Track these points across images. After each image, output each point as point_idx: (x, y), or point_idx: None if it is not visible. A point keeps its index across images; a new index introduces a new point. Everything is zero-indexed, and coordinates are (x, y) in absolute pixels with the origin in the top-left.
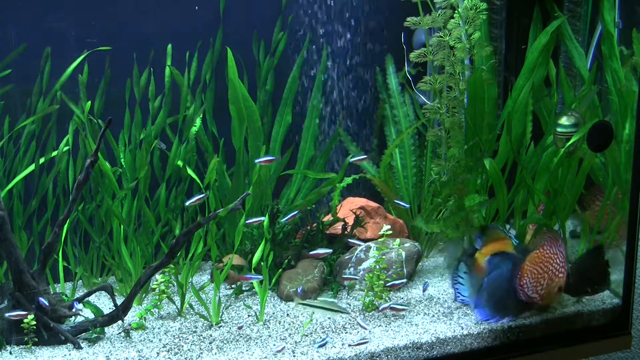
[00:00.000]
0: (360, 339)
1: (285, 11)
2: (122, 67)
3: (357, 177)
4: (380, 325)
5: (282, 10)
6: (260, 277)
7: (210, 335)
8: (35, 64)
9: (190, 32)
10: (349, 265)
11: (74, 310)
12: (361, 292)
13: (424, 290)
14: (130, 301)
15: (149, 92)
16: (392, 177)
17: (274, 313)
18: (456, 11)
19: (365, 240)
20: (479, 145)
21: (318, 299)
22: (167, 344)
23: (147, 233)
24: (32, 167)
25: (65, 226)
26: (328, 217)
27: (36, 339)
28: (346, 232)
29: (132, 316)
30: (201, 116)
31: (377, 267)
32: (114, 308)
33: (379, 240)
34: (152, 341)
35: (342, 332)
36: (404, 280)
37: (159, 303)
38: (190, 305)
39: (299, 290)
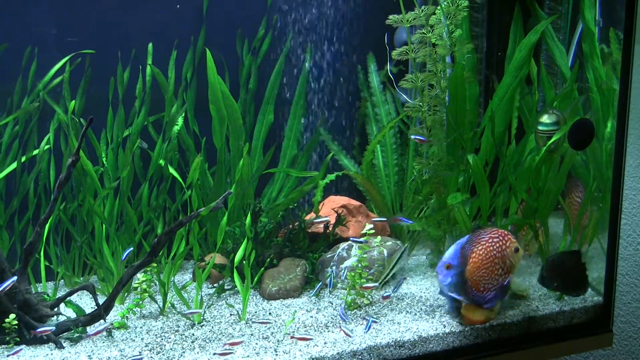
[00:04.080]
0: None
1: (271, 10)
2: (103, 65)
3: (339, 174)
4: (362, 324)
5: (267, 8)
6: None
7: (193, 334)
8: (16, 63)
9: (173, 31)
10: (331, 263)
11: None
12: (343, 290)
13: (394, 291)
14: (112, 300)
15: (137, 91)
16: (374, 175)
17: (256, 312)
18: (438, 7)
19: (347, 239)
20: (460, 143)
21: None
22: (149, 343)
23: (129, 232)
24: (14, 165)
25: (47, 225)
26: (310, 216)
27: (18, 339)
28: (328, 231)
29: (114, 315)
30: (183, 115)
31: (359, 265)
32: (96, 307)
33: (361, 238)
34: (134, 340)
35: (324, 331)
36: (377, 284)
37: (141, 302)
38: (172, 305)
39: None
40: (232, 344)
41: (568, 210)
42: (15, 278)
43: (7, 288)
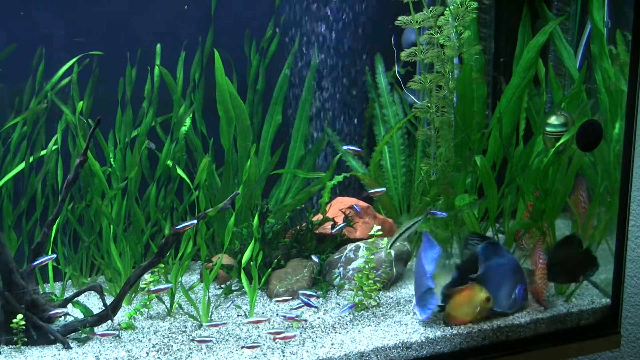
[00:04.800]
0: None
1: (279, 10)
2: (111, 66)
3: (347, 175)
4: (369, 325)
5: (275, 9)
6: None
7: (200, 335)
8: (25, 63)
9: (181, 32)
10: (339, 265)
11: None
12: (350, 291)
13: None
14: (120, 301)
15: (145, 91)
16: (381, 176)
17: (263, 313)
18: (447, 8)
19: (355, 240)
20: (467, 144)
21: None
22: (156, 343)
23: (137, 232)
24: (22, 165)
25: (55, 226)
26: (317, 217)
27: (25, 339)
28: (335, 232)
29: (121, 316)
30: (191, 116)
31: (367, 266)
32: (104, 308)
33: (369, 240)
34: (141, 341)
35: (331, 332)
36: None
37: (148, 303)
38: (180, 305)
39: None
40: (250, 347)
41: (574, 208)
42: (54, 256)
43: (15, 289)
